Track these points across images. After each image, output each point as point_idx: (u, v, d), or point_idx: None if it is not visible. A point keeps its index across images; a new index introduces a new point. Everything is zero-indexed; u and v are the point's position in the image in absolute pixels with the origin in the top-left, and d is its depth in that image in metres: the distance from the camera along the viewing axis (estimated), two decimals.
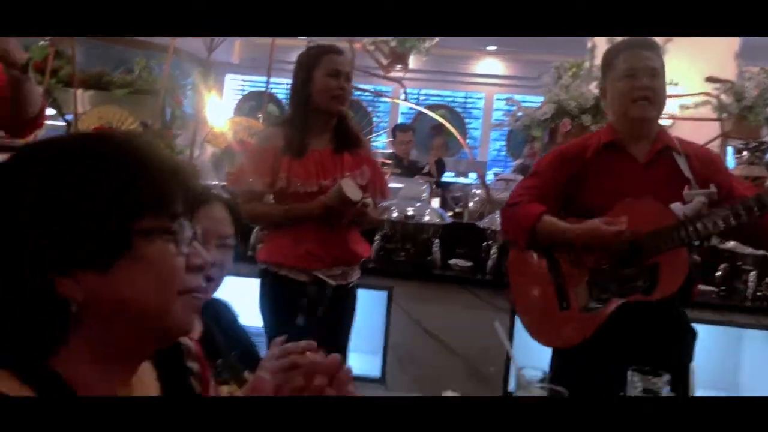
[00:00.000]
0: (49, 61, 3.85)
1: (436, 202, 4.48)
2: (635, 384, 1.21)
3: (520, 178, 4.34)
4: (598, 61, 3.72)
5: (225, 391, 1.27)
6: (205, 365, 0.91)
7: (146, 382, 0.78)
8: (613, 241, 1.75)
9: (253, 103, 5.29)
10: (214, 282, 1.35)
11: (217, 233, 1.36)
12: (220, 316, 1.45)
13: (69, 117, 3.79)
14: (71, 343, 0.67)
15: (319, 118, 2.20)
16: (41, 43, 4.18)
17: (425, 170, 5.00)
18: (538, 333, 1.90)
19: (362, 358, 2.98)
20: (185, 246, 0.71)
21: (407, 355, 3.01)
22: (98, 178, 0.66)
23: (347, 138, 2.24)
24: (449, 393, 1.46)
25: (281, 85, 5.70)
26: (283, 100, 6.17)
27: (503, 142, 7.29)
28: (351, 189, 2.04)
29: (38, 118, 1.95)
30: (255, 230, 3.17)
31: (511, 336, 2.91)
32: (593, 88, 3.65)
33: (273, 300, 2.22)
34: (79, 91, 3.94)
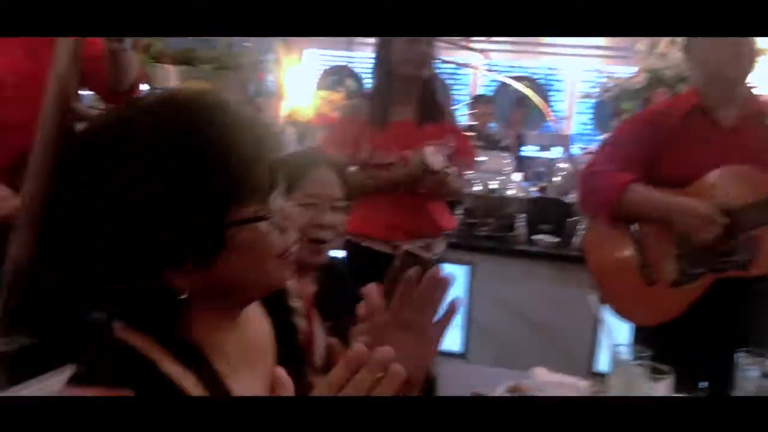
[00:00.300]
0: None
1: (517, 177, 4.36)
2: (746, 367, 1.12)
3: None
4: None
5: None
6: (311, 304, 0.92)
7: (255, 319, 0.83)
8: (713, 223, 1.64)
9: (334, 77, 5.31)
10: (328, 244, 1.36)
11: (327, 196, 1.37)
12: (337, 278, 1.44)
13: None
14: (184, 314, 0.71)
15: (402, 87, 2.16)
16: None
17: (502, 144, 4.87)
18: (624, 311, 1.79)
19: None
20: (275, 215, 0.72)
21: (489, 330, 2.96)
22: (181, 181, 0.65)
23: (431, 109, 2.19)
24: (538, 369, 1.41)
25: (361, 60, 5.69)
26: (362, 75, 6.16)
27: (590, 115, 7.00)
28: (433, 157, 2.00)
29: (135, 88, 2.02)
30: None
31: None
32: None
33: (356, 272, 2.22)
34: (169, 67, 4.07)
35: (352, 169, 2.26)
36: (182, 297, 0.69)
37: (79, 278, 0.70)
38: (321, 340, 0.92)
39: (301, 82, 4.38)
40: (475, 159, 2.33)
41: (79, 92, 1.99)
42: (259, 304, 0.85)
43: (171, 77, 4.09)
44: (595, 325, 2.78)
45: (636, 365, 1.12)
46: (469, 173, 2.61)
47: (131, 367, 0.68)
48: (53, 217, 0.71)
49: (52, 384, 0.98)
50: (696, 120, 1.75)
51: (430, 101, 2.20)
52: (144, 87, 3.70)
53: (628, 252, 1.78)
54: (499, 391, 1.25)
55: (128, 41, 1.82)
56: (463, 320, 2.97)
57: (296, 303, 0.92)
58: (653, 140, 1.76)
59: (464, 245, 2.98)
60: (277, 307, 0.87)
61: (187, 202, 0.64)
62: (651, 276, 1.74)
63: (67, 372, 0.71)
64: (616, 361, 1.17)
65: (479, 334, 2.97)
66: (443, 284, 0.84)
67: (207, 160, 0.65)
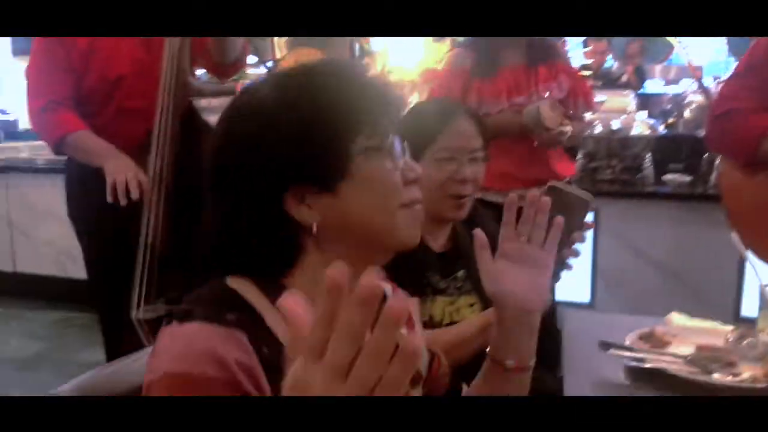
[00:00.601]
0: None
1: (642, 116, 4.08)
2: None
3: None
4: None
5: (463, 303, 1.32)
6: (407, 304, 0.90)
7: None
8: None
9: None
10: (468, 198, 1.34)
11: (466, 147, 1.34)
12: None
13: (268, 63, 4.03)
14: (304, 261, 0.74)
15: None
16: None
17: (622, 80, 4.56)
18: (764, 253, 1.60)
19: (569, 283, 2.86)
20: (400, 161, 0.73)
21: (618, 278, 2.83)
22: (315, 107, 0.71)
23: (541, 49, 2.07)
24: (674, 314, 1.32)
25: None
26: None
27: (723, 41, 6.39)
28: (549, 116, 1.90)
29: (239, 62, 2.08)
30: None
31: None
32: None
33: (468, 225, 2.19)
34: (276, 38, 4.16)
35: None
36: (313, 229, 0.72)
37: (210, 235, 0.76)
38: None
39: (406, 42, 4.32)
40: (593, 99, 2.19)
41: (194, 69, 2.10)
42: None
43: (279, 47, 4.18)
44: (738, 266, 2.57)
45: None
46: (587, 115, 2.47)
47: (237, 307, 0.70)
48: (185, 185, 0.78)
49: None
50: None
51: (539, 41, 2.08)
52: (251, 59, 3.81)
53: None
54: (630, 338, 1.18)
55: None
56: (590, 268, 2.85)
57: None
58: None
59: (588, 191, 2.83)
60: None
61: (312, 129, 0.70)
62: None
63: None
64: (764, 302, 1.06)
65: (607, 282, 2.85)
66: (542, 206, 0.84)
67: (331, 99, 0.71)
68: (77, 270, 2.27)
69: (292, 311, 0.43)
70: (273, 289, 0.72)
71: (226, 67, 2.06)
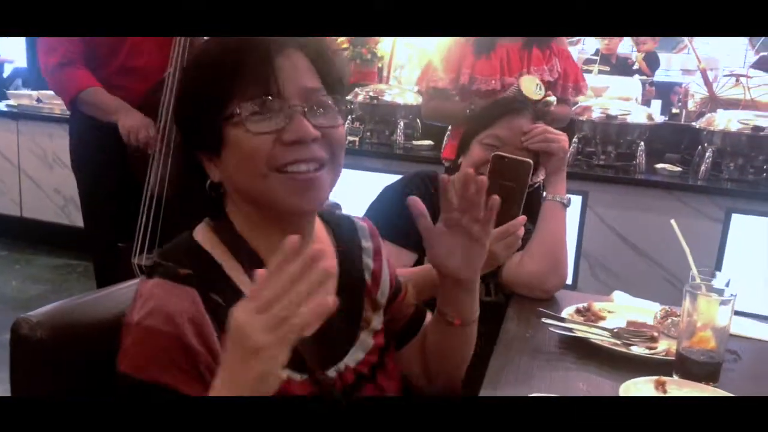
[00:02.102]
0: None
1: (657, 104, 4.07)
2: None
3: (759, 74, 3.76)
4: None
5: None
6: (380, 245, 0.98)
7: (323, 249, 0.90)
8: None
9: None
10: None
11: (512, 143, 1.42)
12: None
13: None
14: (232, 210, 0.83)
15: None
16: None
17: (635, 67, 4.55)
18: None
19: None
20: (277, 123, 0.76)
21: (601, 262, 2.89)
22: (191, 82, 0.81)
23: None
24: (617, 293, 1.39)
25: None
26: None
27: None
28: (531, 87, 1.94)
29: None
30: (447, 133, 3.19)
31: (723, 247, 2.64)
32: None
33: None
34: None
35: (454, 96, 2.26)
36: (213, 181, 0.81)
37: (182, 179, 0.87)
38: (387, 279, 0.97)
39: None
40: (584, 84, 2.22)
41: None
42: (330, 238, 0.92)
43: None
44: (717, 256, 2.62)
45: (708, 293, 1.08)
46: (578, 99, 2.51)
47: (195, 261, 0.79)
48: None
49: None
50: None
51: None
52: None
53: None
54: (567, 311, 1.25)
55: None
56: (574, 250, 2.91)
57: (367, 243, 0.96)
58: None
59: (579, 174, 2.88)
60: (346, 244, 0.93)
61: (197, 97, 0.79)
62: None
63: None
64: (690, 285, 1.13)
65: (591, 264, 2.91)
66: (478, 184, 0.86)
67: (201, 72, 0.80)
68: (81, 219, 2.37)
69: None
70: (227, 234, 0.81)
71: None
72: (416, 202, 0.89)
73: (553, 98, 1.97)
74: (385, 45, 4.00)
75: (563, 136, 1.44)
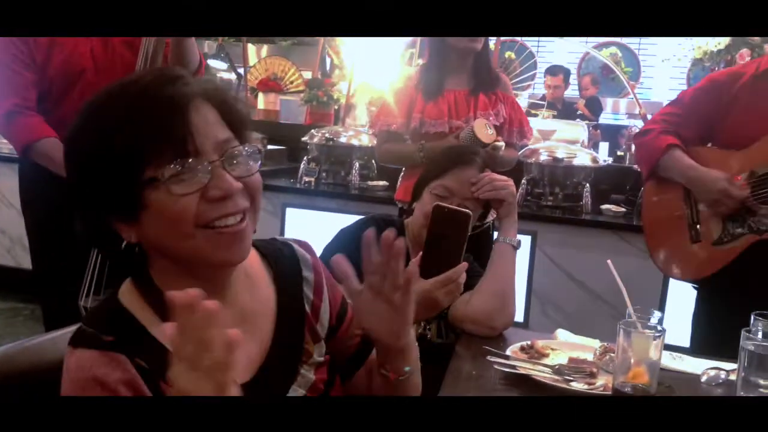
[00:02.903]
0: None
1: (604, 147, 4.24)
2: (757, 330, 1.11)
3: None
4: None
5: None
6: (321, 274, 0.96)
7: (259, 284, 0.89)
8: (728, 196, 1.69)
9: (412, 50, 5.32)
10: None
11: (461, 194, 1.49)
12: None
13: (240, 70, 4.12)
14: (155, 268, 0.82)
15: (455, 57, 2.20)
16: None
17: (578, 111, 4.75)
18: (667, 265, 1.91)
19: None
20: (198, 181, 0.75)
21: (551, 300, 2.96)
22: (99, 146, 0.75)
23: (484, 78, 2.21)
24: (560, 330, 1.44)
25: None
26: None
27: (683, 81, 6.64)
28: (482, 131, 2.02)
29: (198, 71, 2.17)
30: (401, 175, 3.26)
31: (666, 283, 2.75)
32: None
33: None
34: (250, 45, 4.27)
35: (406, 139, 2.34)
36: (130, 242, 0.79)
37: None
38: (327, 311, 0.96)
39: (378, 56, 4.44)
40: (528, 129, 2.32)
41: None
42: (267, 270, 0.91)
43: (250, 54, 4.29)
44: (660, 293, 2.73)
45: (643, 331, 1.14)
46: (523, 143, 2.60)
47: (119, 325, 0.78)
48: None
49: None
50: (762, 83, 1.72)
51: (484, 71, 2.22)
52: (222, 64, 3.88)
53: (677, 210, 1.84)
54: (512, 349, 1.29)
55: None
56: (525, 289, 2.98)
57: (309, 274, 0.95)
58: (719, 101, 1.77)
59: (528, 215, 2.97)
60: (286, 275, 0.92)
61: (106, 163, 0.74)
62: (697, 234, 1.79)
63: None
64: (626, 324, 1.18)
65: (541, 302, 2.98)
66: (395, 252, 0.82)
67: (113, 136, 0.74)
68: (29, 261, 2.31)
69: (168, 337, 0.63)
70: (150, 292, 0.80)
71: None
72: (341, 263, 0.84)
73: (502, 143, 2.06)
74: (341, 86, 4.09)
75: (510, 182, 1.51)
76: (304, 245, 0.98)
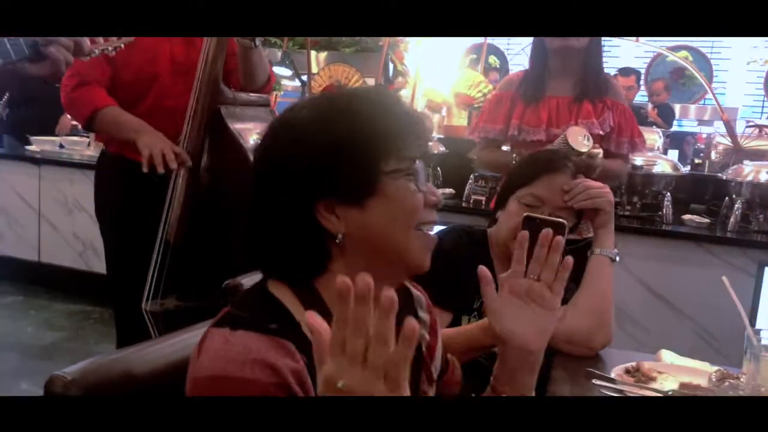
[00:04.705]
0: None
1: (674, 155, 4.06)
2: None
3: None
4: None
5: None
6: (435, 317, 0.95)
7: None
8: None
9: (474, 56, 5.25)
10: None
11: (554, 204, 1.39)
12: None
13: (304, 77, 4.12)
14: (332, 268, 0.79)
15: (559, 60, 2.07)
16: None
17: (648, 119, 4.55)
18: None
19: None
20: (422, 185, 0.80)
21: (629, 315, 2.82)
22: (352, 129, 0.78)
23: (590, 84, 2.05)
24: (664, 351, 1.33)
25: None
26: (506, 50, 6.03)
27: (759, 86, 6.33)
28: (577, 139, 1.88)
29: (265, 88, 2.14)
30: (469, 181, 3.18)
31: (756, 301, 2.57)
32: None
33: None
34: (312, 53, 4.26)
35: (504, 147, 2.25)
36: (338, 238, 0.77)
37: (239, 236, 0.83)
38: (440, 353, 0.93)
39: (441, 61, 4.39)
40: (641, 140, 2.14)
41: (229, 76, 2.16)
42: None
43: (315, 62, 4.28)
44: (750, 311, 2.55)
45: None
46: (634, 153, 2.41)
47: (277, 314, 0.76)
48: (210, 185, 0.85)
49: (192, 337, 1.09)
50: None
51: (591, 76, 2.06)
52: (286, 71, 3.88)
53: None
54: (616, 371, 1.20)
55: (259, 40, 1.93)
56: None
57: (424, 315, 0.93)
58: None
59: None
60: (405, 314, 0.89)
61: (347, 148, 0.77)
62: None
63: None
64: (750, 347, 1.07)
65: (618, 317, 2.83)
66: (555, 245, 0.87)
67: (367, 121, 0.78)
68: (100, 265, 2.34)
69: (315, 325, 0.60)
70: (306, 295, 0.78)
71: (253, 91, 2.12)
72: (484, 272, 0.88)
73: (599, 150, 1.91)
74: (405, 92, 4.04)
75: (606, 189, 1.40)
76: (416, 285, 0.97)
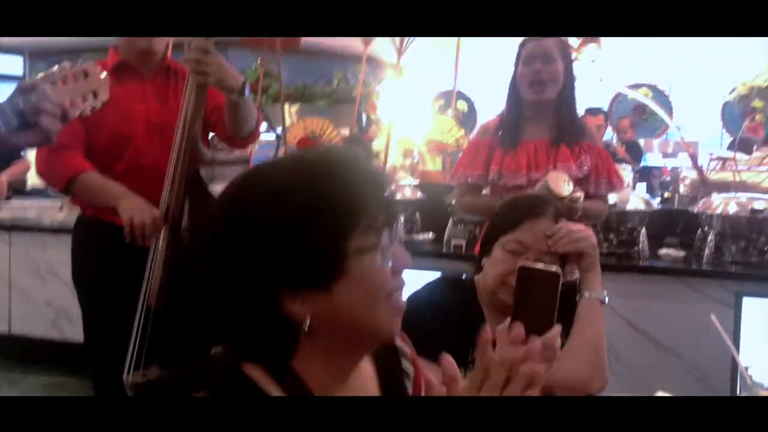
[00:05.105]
0: (260, 81, 4.24)
1: (641, 189, 4.15)
2: None
3: (739, 155, 3.88)
4: None
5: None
6: (419, 369, 0.93)
7: (366, 378, 0.85)
8: None
9: (442, 101, 5.36)
10: None
11: (538, 249, 1.39)
12: None
13: (278, 130, 4.16)
14: (303, 349, 0.76)
15: (533, 108, 2.12)
16: (254, 66, 4.64)
17: (617, 156, 4.66)
18: None
19: None
20: (389, 253, 0.76)
21: (613, 353, 2.83)
22: (312, 210, 0.72)
23: (566, 129, 2.10)
24: (660, 393, 1.34)
25: (469, 81, 5.70)
26: (471, 97, 6.16)
27: (718, 118, 6.55)
28: (558, 183, 1.91)
29: (253, 135, 2.16)
30: (449, 226, 3.20)
31: (737, 332, 2.60)
32: None
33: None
34: (286, 105, 4.31)
35: (485, 191, 2.27)
36: (304, 326, 0.73)
37: (205, 315, 0.78)
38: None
39: (412, 108, 4.46)
40: (618, 180, 2.17)
41: (206, 136, 2.16)
42: (371, 366, 0.86)
43: (289, 115, 4.33)
44: (733, 342, 2.58)
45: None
46: (613, 193, 2.44)
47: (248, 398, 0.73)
48: (187, 261, 0.80)
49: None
50: None
51: (565, 122, 2.11)
52: (263, 126, 3.91)
53: None
54: None
55: (248, 92, 1.94)
56: None
57: (408, 365, 0.91)
58: None
59: None
60: (390, 368, 0.88)
61: (307, 234, 0.71)
62: None
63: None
64: (745, 384, 1.09)
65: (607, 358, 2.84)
66: (551, 295, 0.88)
67: (329, 198, 0.72)
68: (74, 333, 2.26)
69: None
70: (283, 376, 0.75)
71: (241, 141, 2.12)
72: (450, 364, 0.76)
73: (580, 194, 1.94)
74: (379, 141, 4.09)
75: (589, 232, 1.42)
76: (403, 335, 0.94)
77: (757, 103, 3.48)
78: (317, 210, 0.72)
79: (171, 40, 2.22)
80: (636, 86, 6.67)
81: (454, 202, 3.11)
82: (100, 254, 2.10)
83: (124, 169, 2.05)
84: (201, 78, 1.84)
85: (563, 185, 1.86)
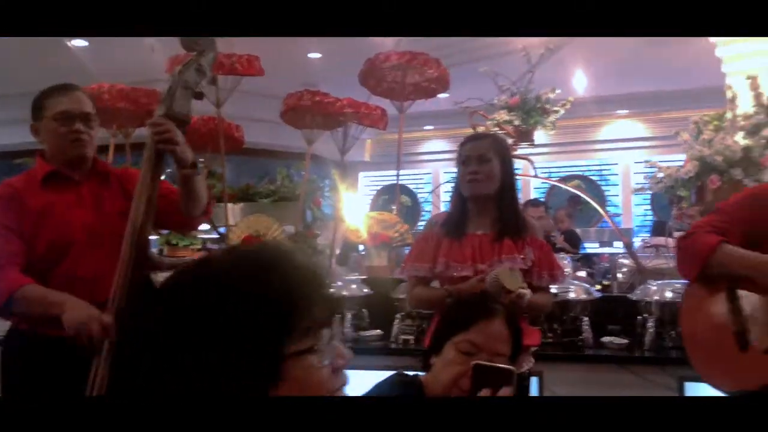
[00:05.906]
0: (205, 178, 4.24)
1: (582, 274, 4.27)
2: None
3: (670, 242, 4.07)
4: (740, 110, 3.51)
5: None
6: None
7: None
8: None
9: (386, 196, 5.49)
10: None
11: (491, 350, 1.40)
12: None
13: (222, 230, 4.14)
14: None
15: (476, 204, 2.21)
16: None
17: (558, 246, 4.82)
18: (711, 375, 1.73)
19: None
20: (329, 353, 0.74)
21: None
22: (248, 313, 0.70)
23: (508, 224, 2.18)
24: None
25: (411, 177, 5.87)
26: (416, 190, 6.32)
27: (647, 207, 6.91)
28: (508, 278, 1.96)
29: (208, 212, 2.15)
30: (396, 322, 3.19)
31: None
32: (739, 139, 3.39)
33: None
34: (230, 205, 4.32)
35: (434, 284, 2.30)
36: None
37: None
38: None
39: (356, 204, 4.54)
40: (560, 272, 2.24)
41: (150, 238, 2.13)
42: None
43: (232, 214, 4.33)
44: None
45: None
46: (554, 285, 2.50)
47: None
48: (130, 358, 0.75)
49: None
50: None
51: (507, 217, 2.19)
52: (203, 225, 3.88)
53: (721, 316, 1.72)
54: None
55: (200, 167, 1.96)
56: None
57: None
58: (761, 218, 1.73)
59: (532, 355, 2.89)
60: None
61: (244, 337, 0.69)
62: (746, 340, 1.66)
63: None
64: None
65: None
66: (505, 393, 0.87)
67: (266, 300, 0.70)
68: None
69: None
70: None
71: (195, 220, 2.12)
72: None
73: (527, 291, 1.99)
74: (324, 237, 4.12)
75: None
76: None
77: (683, 192, 3.68)
78: (254, 314, 0.70)
79: (95, 145, 2.19)
80: (568, 178, 7.01)
81: (402, 295, 3.13)
82: (38, 368, 2.00)
83: (62, 278, 1.98)
84: (167, 145, 1.84)
85: (513, 279, 1.91)
